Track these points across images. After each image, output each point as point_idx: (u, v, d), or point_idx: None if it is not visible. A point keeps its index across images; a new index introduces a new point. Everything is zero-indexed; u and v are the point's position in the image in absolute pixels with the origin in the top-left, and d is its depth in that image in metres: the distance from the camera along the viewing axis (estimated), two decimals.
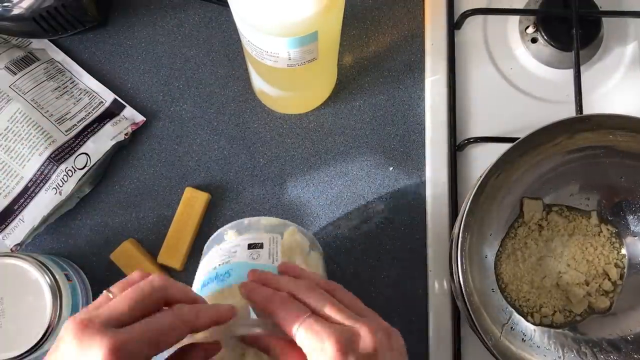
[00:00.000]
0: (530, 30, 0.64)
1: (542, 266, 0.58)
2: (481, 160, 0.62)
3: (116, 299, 0.36)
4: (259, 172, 0.63)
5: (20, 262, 0.52)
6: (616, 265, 0.58)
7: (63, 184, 0.58)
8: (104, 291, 0.37)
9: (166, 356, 0.38)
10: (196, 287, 0.47)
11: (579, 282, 0.58)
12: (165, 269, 0.61)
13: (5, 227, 0.58)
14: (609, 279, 0.58)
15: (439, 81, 0.64)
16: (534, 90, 0.65)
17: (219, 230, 0.52)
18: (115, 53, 0.65)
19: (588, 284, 0.58)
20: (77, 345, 0.33)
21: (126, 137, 0.62)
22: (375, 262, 0.61)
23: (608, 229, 0.59)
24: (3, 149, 0.58)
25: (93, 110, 0.62)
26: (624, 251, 0.59)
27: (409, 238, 0.62)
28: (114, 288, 0.37)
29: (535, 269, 0.58)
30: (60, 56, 0.64)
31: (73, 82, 0.63)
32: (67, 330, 0.34)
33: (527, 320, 0.57)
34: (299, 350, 0.37)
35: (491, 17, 0.66)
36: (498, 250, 0.59)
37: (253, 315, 0.41)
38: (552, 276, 0.58)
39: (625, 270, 0.58)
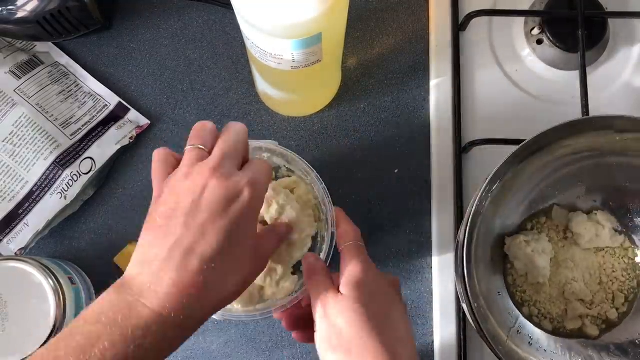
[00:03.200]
0: (536, 31, 0.64)
1: (554, 271, 0.58)
2: (487, 162, 0.62)
3: (216, 146, 0.42)
4: None
5: (24, 266, 0.52)
6: (626, 298, 0.58)
7: (68, 188, 0.58)
8: (188, 146, 0.42)
9: None
10: None
11: (584, 298, 0.57)
12: None
13: (10, 231, 0.58)
14: (615, 308, 0.58)
15: (444, 83, 0.64)
16: (539, 91, 0.64)
17: None
18: (119, 56, 0.65)
19: (592, 304, 0.58)
20: (216, 178, 0.40)
21: (131, 140, 0.62)
22: (380, 264, 0.61)
23: (634, 252, 0.59)
24: (8, 153, 0.58)
25: (97, 113, 0.62)
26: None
27: (414, 241, 0.61)
28: (195, 140, 0.42)
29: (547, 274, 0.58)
30: (64, 59, 0.64)
31: (77, 85, 0.63)
32: (189, 162, 0.41)
33: (532, 323, 0.57)
34: None
35: (496, 19, 0.65)
36: (505, 252, 0.59)
37: None
38: (561, 282, 0.58)
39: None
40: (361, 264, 0.44)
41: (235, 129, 0.43)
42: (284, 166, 0.56)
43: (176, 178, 0.41)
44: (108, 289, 0.39)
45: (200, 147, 0.42)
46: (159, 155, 0.43)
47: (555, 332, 0.57)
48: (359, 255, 0.46)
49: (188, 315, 0.38)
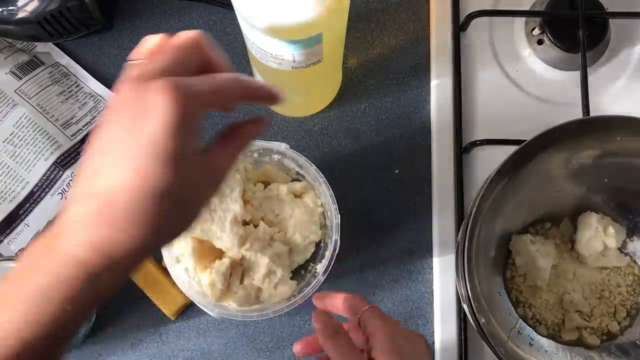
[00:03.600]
0: (537, 31, 0.64)
1: (553, 279, 0.58)
2: (487, 162, 0.62)
3: (160, 57, 0.34)
4: None
5: None
6: (628, 313, 0.58)
7: (69, 189, 0.58)
8: (129, 62, 0.36)
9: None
10: None
11: (582, 309, 0.57)
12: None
13: (10, 232, 0.58)
14: (617, 321, 0.57)
15: (444, 83, 0.63)
16: (540, 92, 0.64)
17: None
18: (119, 56, 0.65)
19: (591, 316, 0.57)
20: (132, 88, 0.32)
21: None
22: (381, 265, 0.61)
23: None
24: (9, 154, 0.58)
25: (98, 114, 0.62)
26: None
27: (414, 241, 0.61)
28: (137, 55, 0.36)
29: (548, 282, 0.58)
30: (65, 60, 0.64)
31: (78, 85, 0.63)
32: (122, 84, 0.33)
33: (530, 326, 0.57)
34: None
35: (497, 19, 0.65)
36: (505, 253, 0.59)
37: None
38: (560, 291, 0.57)
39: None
40: (388, 325, 0.42)
41: (185, 38, 0.36)
42: (294, 169, 0.57)
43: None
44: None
45: (138, 61, 0.36)
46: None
47: (552, 338, 0.57)
48: (382, 317, 0.43)
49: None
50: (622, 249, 0.58)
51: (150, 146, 0.31)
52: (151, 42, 0.36)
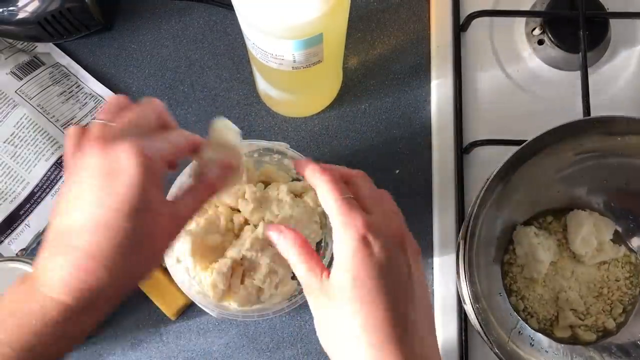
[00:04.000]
0: (537, 32, 0.64)
1: (551, 275, 0.58)
2: (488, 162, 0.62)
3: (122, 119, 0.38)
4: None
5: (25, 267, 0.52)
6: (624, 309, 0.58)
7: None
8: (95, 120, 0.39)
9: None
10: None
11: (577, 308, 0.57)
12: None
13: (11, 232, 0.58)
14: (613, 318, 0.57)
15: (445, 83, 0.63)
16: (540, 92, 0.64)
17: None
18: (120, 57, 0.65)
19: (587, 314, 0.57)
20: (101, 149, 0.36)
21: None
22: None
23: (636, 258, 0.59)
24: (9, 154, 0.58)
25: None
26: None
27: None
28: (103, 115, 0.39)
29: (544, 278, 0.58)
30: (65, 60, 0.64)
31: (78, 86, 0.63)
32: (89, 136, 0.37)
33: (530, 326, 0.57)
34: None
35: (497, 19, 0.65)
36: (505, 253, 0.59)
37: None
38: (556, 288, 0.57)
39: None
40: (357, 219, 0.39)
41: (145, 104, 0.40)
42: (294, 169, 0.57)
43: (66, 155, 0.39)
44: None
45: (104, 122, 0.38)
46: (67, 132, 0.39)
47: (543, 332, 0.57)
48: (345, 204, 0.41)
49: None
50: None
51: (119, 201, 0.35)
52: (116, 101, 0.40)
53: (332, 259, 0.52)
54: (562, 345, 0.56)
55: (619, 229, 0.59)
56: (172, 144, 0.39)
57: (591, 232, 0.57)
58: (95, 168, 0.36)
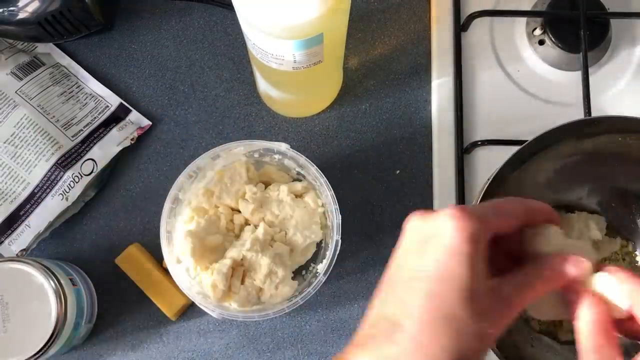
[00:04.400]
0: (538, 32, 0.64)
1: None
2: (488, 163, 0.62)
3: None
4: None
5: (25, 267, 0.52)
6: None
7: (70, 189, 0.58)
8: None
9: None
10: None
11: None
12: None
13: (11, 233, 0.58)
14: None
15: (445, 84, 0.63)
16: (541, 92, 0.64)
17: None
18: (120, 57, 0.65)
19: None
20: (423, 219, 0.34)
21: (132, 142, 0.62)
22: (381, 265, 0.60)
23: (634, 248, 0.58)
24: (9, 154, 0.58)
25: (99, 114, 0.62)
26: None
27: None
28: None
29: None
30: (65, 60, 0.64)
31: (79, 86, 0.63)
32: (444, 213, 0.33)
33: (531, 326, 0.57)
34: None
35: (498, 19, 0.65)
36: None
37: None
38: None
39: None
40: None
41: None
42: (295, 169, 0.57)
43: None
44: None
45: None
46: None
47: (546, 334, 0.57)
48: None
49: None
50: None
51: (440, 270, 0.32)
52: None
53: (330, 262, 0.52)
54: (567, 346, 0.56)
55: (614, 224, 0.59)
56: (500, 206, 0.35)
57: (584, 233, 0.57)
58: (412, 235, 0.34)
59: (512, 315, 0.34)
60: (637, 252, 0.58)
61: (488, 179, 0.50)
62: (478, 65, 0.64)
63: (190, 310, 0.60)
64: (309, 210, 0.55)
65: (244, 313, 0.52)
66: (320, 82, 0.59)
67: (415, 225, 0.34)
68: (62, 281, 0.53)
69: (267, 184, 0.57)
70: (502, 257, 0.38)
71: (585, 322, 0.34)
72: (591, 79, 0.61)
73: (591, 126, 0.51)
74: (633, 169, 0.55)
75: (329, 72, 0.58)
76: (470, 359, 0.32)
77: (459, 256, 0.31)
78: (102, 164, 0.60)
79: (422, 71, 0.65)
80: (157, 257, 0.60)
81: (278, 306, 0.52)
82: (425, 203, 0.62)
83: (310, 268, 0.57)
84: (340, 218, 0.53)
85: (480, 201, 0.49)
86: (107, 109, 0.63)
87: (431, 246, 0.32)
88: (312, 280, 0.54)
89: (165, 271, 0.60)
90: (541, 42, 0.64)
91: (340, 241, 0.52)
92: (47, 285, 0.52)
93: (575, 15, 0.62)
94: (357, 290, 0.61)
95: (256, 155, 0.56)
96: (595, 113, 0.61)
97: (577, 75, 0.62)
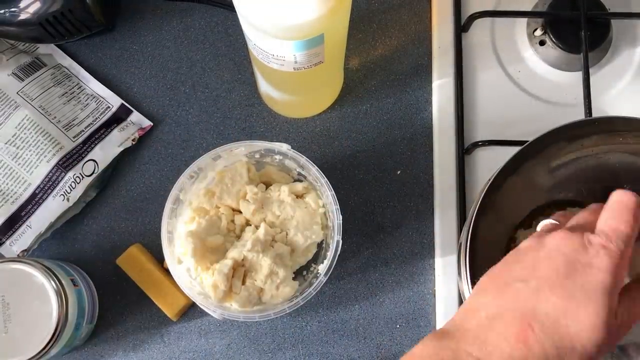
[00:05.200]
0: (539, 32, 0.64)
1: None
2: (489, 163, 0.62)
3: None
4: None
5: (26, 268, 0.52)
6: None
7: (71, 190, 0.58)
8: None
9: None
10: None
11: None
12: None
13: (12, 233, 0.58)
14: None
15: (446, 84, 0.63)
16: (542, 93, 0.64)
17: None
18: (121, 58, 0.65)
19: None
20: (573, 240, 0.35)
21: (133, 142, 0.62)
22: (382, 265, 0.61)
23: None
24: (11, 155, 0.58)
25: (100, 115, 0.62)
26: None
27: (416, 242, 0.61)
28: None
29: None
30: (67, 61, 0.64)
31: (80, 87, 0.63)
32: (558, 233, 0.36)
33: None
34: None
35: (499, 20, 0.65)
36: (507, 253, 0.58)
37: None
38: None
39: None
40: None
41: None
42: (296, 170, 0.57)
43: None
44: (426, 337, 0.37)
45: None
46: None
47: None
48: None
49: None
50: None
51: (590, 298, 0.33)
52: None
53: (331, 262, 0.52)
54: None
55: None
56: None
57: None
58: (561, 252, 0.35)
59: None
60: None
61: (489, 179, 0.50)
62: (479, 66, 0.65)
63: (191, 310, 0.60)
64: (309, 210, 0.55)
65: (245, 313, 0.52)
66: (321, 83, 0.59)
67: (563, 245, 0.35)
68: (63, 282, 0.53)
69: (268, 185, 0.57)
70: None
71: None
72: (592, 79, 0.61)
73: (592, 127, 0.51)
74: (633, 169, 0.55)
75: (329, 72, 0.58)
76: None
77: (609, 293, 0.33)
78: (103, 164, 0.61)
79: (422, 72, 0.65)
80: (158, 257, 0.61)
81: (279, 307, 0.52)
82: (426, 203, 0.62)
83: (311, 268, 0.57)
84: (341, 218, 0.53)
85: (480, 202, 0.49)
86: (109, 109, 0.63)
87: (584, 274, 0.34)
88: (313, 281, 0.54)
89: (166, 272, 0.60)
90: (542, 43, 0.64)
91: (341, 241, 0.52)
92: (48, 286, 0.52)
93: (576, 16, 0.62)
94: (358, 291, 0.61)
95: (257, 155, 0.56)
96: (596, 113, 0.61)
97: (578, 75, 0.62)
